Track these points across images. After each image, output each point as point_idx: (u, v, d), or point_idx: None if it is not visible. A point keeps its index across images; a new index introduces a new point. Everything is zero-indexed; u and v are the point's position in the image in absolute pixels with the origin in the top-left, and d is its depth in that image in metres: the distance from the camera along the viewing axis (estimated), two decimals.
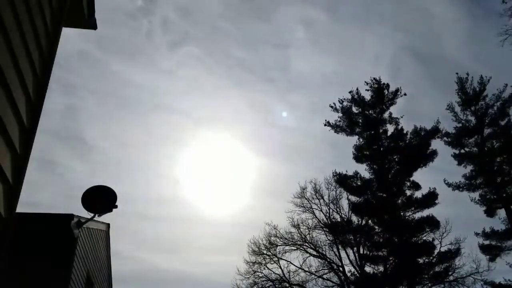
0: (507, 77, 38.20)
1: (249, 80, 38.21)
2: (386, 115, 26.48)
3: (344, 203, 27.11)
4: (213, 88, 36.48)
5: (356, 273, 23.74)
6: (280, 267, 24.57)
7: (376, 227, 24.62)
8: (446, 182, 26.68)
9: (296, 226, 25.29)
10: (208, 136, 38.97)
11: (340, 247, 24.60)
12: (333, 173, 25.85)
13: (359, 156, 26.15)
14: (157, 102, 35.78)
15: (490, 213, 25.24)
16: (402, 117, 26.47)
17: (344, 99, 27.05)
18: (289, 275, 24.28)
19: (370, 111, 26.69)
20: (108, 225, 12.01)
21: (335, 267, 24.27)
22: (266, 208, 43.51)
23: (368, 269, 23.87)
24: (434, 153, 25.22)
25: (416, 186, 24.55)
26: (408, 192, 24.58)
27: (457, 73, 27.22)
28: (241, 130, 41.49)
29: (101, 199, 8.54)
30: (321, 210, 25.56)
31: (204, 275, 39.33)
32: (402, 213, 24.12)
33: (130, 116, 33.67)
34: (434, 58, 37.39)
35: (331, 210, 25.48)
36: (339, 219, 25.29)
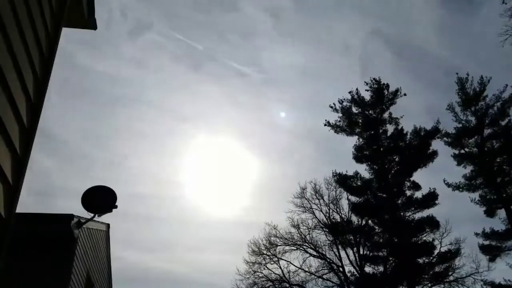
0: (478, 63, 37.43)
1: (219, 72, 37.38)
2: (386, 115, 26.53)
3: (344, 203, 27.20)
4: (182, 79, 35.49)
5: (356, 273, 23.75)
6: (280, 267, 24.61)
7: (376, 227, 24.63)
8: (446, 182, 26.74)
9: (296, 226, 25.34)
10: (176, 127, 38.05)
11: (340, 247, 24.61)
12: (333, 173, 25.89)
13: (359, 156, 26.16)
14: (121, 93, 34.03)
15: (490, 213, 25.25)
16: (402, 117, 26.53)
17: (344, 99, 27.13)
18: (289, 275, 24.32)
19: (370, 111, 26.71)
20: (108, 225, 12.00)
21: (335, 267, 24.29)
22: (253, 209, 43.03)
23: (368, 269, 23.92)
24: (434, 153, 25.24)
25: (416, 186, 24.56)
26: (408, 193, 24.62)
27: (457, 73, 27.29)
28: (213, 122, 40.69)
29: (101, 199, 8.53)
30: (321, 210, 25.61)
31: (187, 273, 39.00)
32: (402, 214, 24.12)
33: (93, 107, 32.04)
34: (406, 46, 36.80)
35: (331, 210, 25.52)
36: (339, 219, 25.32)
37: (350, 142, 29.56)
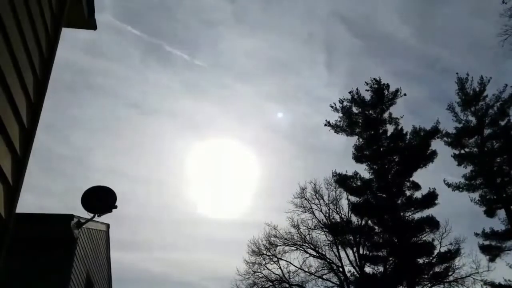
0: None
1: (177, 60, 35.67)
2: (386, 115, 26.54)
3: (344, 204, 27.15)
4: (137, 67, 33.65)
5: (356, 273, 23.75)
6: (280, 268, 24.59)
7: (376, 228, 24.62)
8: (446, 182, 26.77)
9: (296, 227, 25.33)
10: (133, 117, 35.96)
11: (340, 247, 24.61)
12: (332, 173, 25.89)
13: (359, 156, 26.17)
14: (75, 79, 32.89)
15: (490, 213, 25.26)
16: (402, 117, 26.54)
17: (344, 99, 27.14)
18: (289, 275, 24.31)
19: (370, 111, 26.72)
20: (108, 225, 12.01)
21: (334, 267, 24.29)
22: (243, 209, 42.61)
23: (368, 269, 23.91)
24: (434, 153, 25.23)
25: (416, 186, 24.56)
26: (408, 193, 24.60)
27: (457, 73, 27.32)
28: (174, 114, 39.41)
29: (100, 199, 8.54)
30: (321, 211, 25.60)
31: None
32: (402, 214, 24.12)
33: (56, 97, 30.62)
34: (370, 32, 36.05)
35: (331, 211, 25.52)
36: (339, 220, 25.31)
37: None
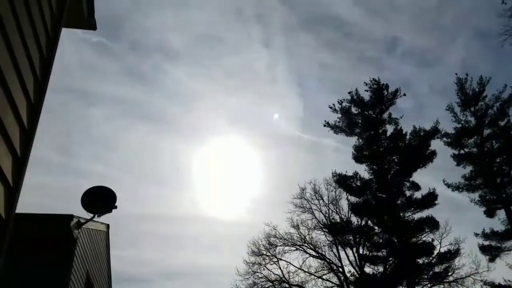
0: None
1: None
2: (385, 115, 26.55)
3: (344, 204, 27.10)
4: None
5: (355, 273, 23.74)
6: (280, 268, 24.56)
7: (376, 228, 24.63)
8: (445, 182, 26.78)
9: (296, 227, 25.29)
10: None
11: (339, 247, 24.60)
12: (332, 173, 25.89)
13: (358, 156, 26.18)
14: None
15: (489, 213, 25.28)
16: (401, 117, 26.55)
17: (344, 99, 27.16)
18: (289, 275, 24.29)
19: (370, 112, 26.73)
20: (108, 225, 12.01)
21: (334, 267, 24.29)
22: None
23: (367, 269, 23.90)
24: (433, 153, 25.24)
25: (415, 186, 24.56)
26: (408, 193, 24.60)
27: (456, 74, 27.36)
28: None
29: (100, 199, 8.54)
30: (320, 211, 25.58)
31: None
32: (401, 214, 24.13)
33: None
34: (324, 19, 33.60)
35: (330, 211, 25.50)
36: (338, 220, 25.29)
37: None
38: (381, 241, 24.04)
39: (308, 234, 25.10)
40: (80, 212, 8.34)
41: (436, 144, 25.97)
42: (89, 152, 32.25)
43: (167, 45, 33.62)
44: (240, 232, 44.15)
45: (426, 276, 22.67)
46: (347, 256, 24.21)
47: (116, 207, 8.63)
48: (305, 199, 25.75)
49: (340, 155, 39.83)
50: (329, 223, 25.10)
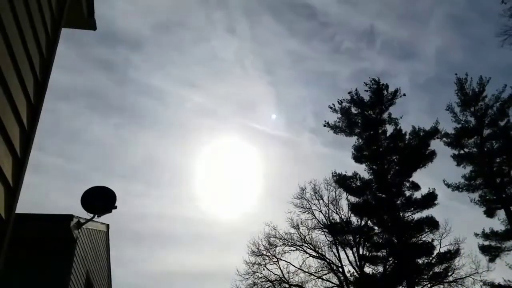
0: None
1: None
2: (385, 115, 26.54)
3: (344, 204, 27.13)
4: None
5: (355, 273, 23.74)
6: (280, 268, 24.55)
7: (376, 228, 24.62)
8: (445, 182, 26.79)
9: (296, 227, 25.28)
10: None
11: (339, 247, 24.59)
12: (332, 173, 25.88)
13: (358, 156, 26.18)
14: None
15: (489, 213, 25.29)
16: (401, 117, 26.55)
17: (343, 99, 27.15)
18: (289, 275, 24.28)
19: (369, 112, 26.73)
20: (108, 226, 12.00)
21: (334, 267, 24.28)
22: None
23: (367, 269, 23.89)
24: (433, 153, 25.23)
25: (415, 186, 24.56)
26: (408, 193, 24.58)
27: (456, 74, 27.37)
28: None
29: (100, 199, 8.54)
30: (320, 211, 25.57)
31: None
32: (401, 214, 24.12)
33: None
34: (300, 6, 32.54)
35: (330, 211, 25.49)
36: (338, 220, 25.28)
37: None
38: (381, 241, 24.03)
39: (308, 234, 25.12)
40: (80, 212, 8.35)
41: (436, 144, 26.03)
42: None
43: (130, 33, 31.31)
44: (240, 232, 44.07)
45: (426, 276, 22.66)
46: (347, 256, 24.22)
47: (116, 207, 8.63)
48: (305, 199, 25.78)
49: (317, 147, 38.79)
50: (329, 223, 25.10)
